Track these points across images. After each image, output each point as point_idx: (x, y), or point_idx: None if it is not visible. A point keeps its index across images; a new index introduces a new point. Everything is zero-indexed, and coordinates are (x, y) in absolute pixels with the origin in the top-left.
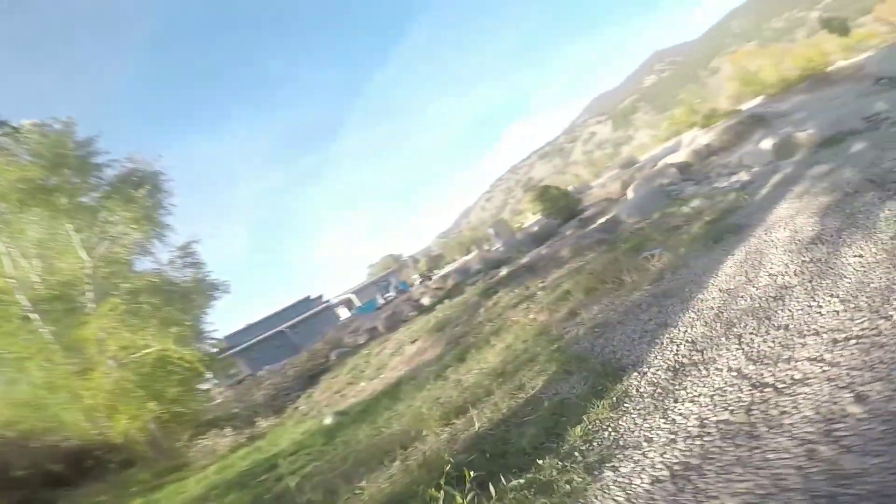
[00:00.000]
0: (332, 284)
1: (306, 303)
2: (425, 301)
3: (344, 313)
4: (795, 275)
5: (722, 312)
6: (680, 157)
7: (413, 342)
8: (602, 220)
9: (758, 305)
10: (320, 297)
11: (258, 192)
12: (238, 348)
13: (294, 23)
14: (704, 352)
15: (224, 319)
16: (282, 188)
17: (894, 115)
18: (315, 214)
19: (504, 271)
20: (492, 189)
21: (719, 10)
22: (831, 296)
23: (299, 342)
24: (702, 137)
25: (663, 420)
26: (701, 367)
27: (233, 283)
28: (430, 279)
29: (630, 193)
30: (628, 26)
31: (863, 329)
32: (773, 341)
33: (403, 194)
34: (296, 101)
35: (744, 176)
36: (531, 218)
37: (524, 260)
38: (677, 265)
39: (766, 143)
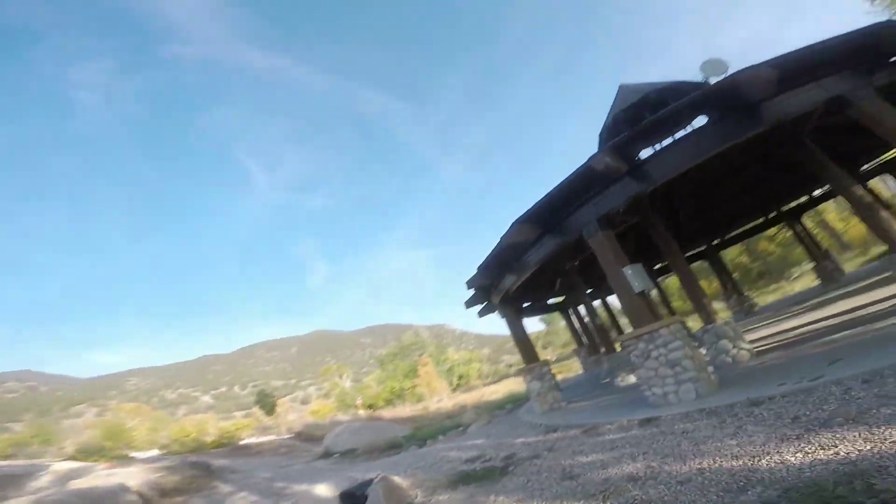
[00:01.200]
0: None
1: None
2: None
3: None
4: None
5: None
6: (132, 483)
7: None
8: None
9: None
10: None
11: None
12: None
13: None
14: None
15: None
16: None
17: (495, 455)
18: None
19: None
20: None
21: (119, 365)
22: None
23: None
24: (140, 472)
25: None
26: None
27: None
28: None
29: None
30: None
31: None
32: None
33: None
34: None
35: None
36: None
37: None
38: None
39: (327, 491)
